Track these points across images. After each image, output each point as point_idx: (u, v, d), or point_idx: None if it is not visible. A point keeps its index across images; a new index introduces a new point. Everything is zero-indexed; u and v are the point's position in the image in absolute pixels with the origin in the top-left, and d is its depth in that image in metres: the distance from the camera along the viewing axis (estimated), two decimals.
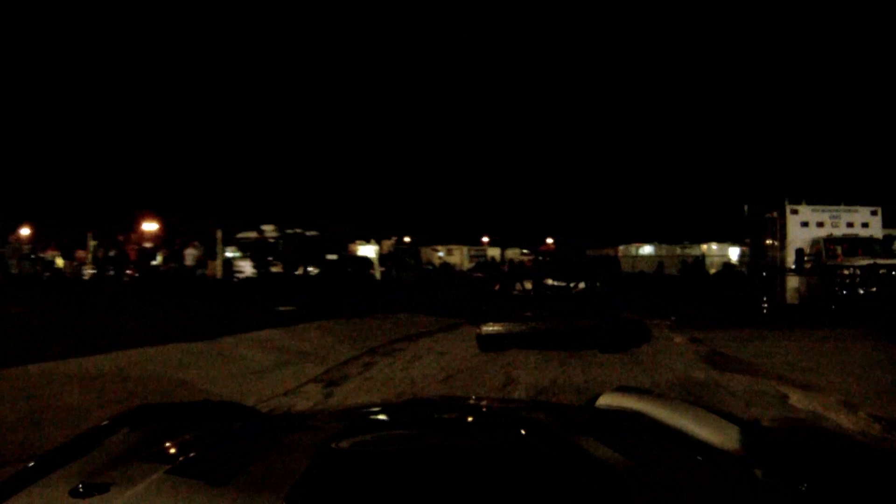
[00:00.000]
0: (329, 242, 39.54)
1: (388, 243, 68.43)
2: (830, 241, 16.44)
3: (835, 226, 17.23)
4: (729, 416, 1.82)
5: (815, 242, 16.69)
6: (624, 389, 2.33)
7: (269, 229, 40.56)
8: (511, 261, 61.74)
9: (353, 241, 55.18)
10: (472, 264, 63.50)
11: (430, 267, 61.46)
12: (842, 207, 17.48)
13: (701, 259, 45.66)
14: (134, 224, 35.15)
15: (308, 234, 40.69)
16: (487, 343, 10.94)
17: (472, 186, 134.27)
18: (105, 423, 1.87)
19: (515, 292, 12.49)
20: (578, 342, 10.71)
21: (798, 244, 16.88)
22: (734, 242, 44.71)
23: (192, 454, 1.58)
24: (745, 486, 1.39)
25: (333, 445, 1.51)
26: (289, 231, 39.60)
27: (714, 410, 1.90)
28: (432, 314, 17.68)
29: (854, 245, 16.35)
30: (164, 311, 17.08)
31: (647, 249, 51.88)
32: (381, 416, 2.19)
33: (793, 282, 17.11)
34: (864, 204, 17.73)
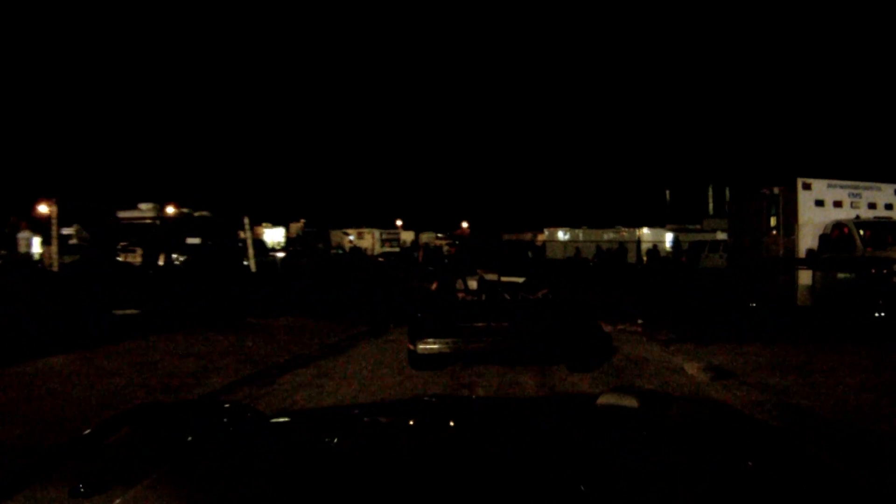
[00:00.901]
0: (218, 225, 33.79)
1: (297, 226, 66.07)
2: (860, 225, 12.43)
3: (855, 206, 13.39)
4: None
5: (835, 226, 12.68)
6: (624, 389, 2.09)
7: (146, 208, 34.60)
8: (426, 245, 58.58)
9: (258, 223, 50.31)
10: (384, 248, 61.02)
11: (340, 251, 58.92)
12: (862, 184, 13.65)
13: (625, 246, 42.90)
14: None
15: (196, 214, 35.00)
16: (424, 362, 8.47)
17: (385, 167, 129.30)
18: (105, 422, 1.73)
19: (462, 294, 9.51)
20: (541, 357, 8.80)
21: (811, 228, 12.96)
22: (667, 227, 42.55)
23: (191, 454, 1.56)
24: (743, 483, 1.37)
25: (333, 445, 1.54)
26: (173, 211, 33.99)
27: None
28: (324, 317, 13.43)
29: (882, 231, 12.47)
30: None
31: (574, 234, 48.44)
32: (381, 416, 2.08)
33: (805, 277, 13.13)
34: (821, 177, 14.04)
